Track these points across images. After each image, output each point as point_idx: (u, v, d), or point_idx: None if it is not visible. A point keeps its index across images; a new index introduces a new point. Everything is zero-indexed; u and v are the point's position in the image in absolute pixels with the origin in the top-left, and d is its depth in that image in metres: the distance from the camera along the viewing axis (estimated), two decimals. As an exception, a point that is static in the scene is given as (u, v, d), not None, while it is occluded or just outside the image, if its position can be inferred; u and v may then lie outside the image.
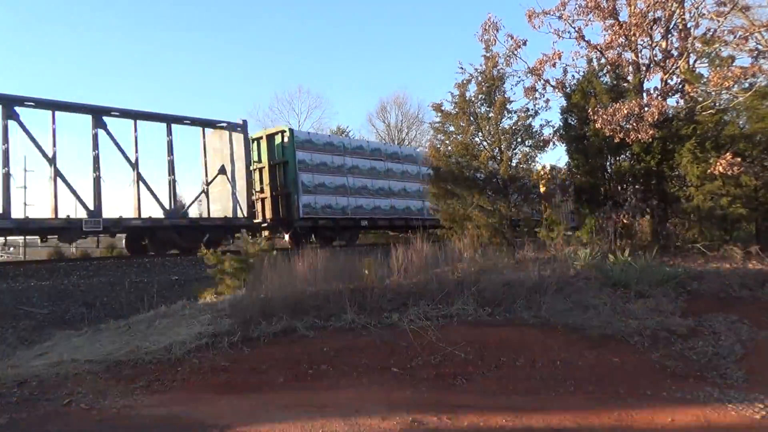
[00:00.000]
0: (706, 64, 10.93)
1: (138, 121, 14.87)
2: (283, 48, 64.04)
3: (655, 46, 11.25)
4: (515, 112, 11.61)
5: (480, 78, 11.53)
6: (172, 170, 15.35)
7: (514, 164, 11.49)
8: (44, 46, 54.70)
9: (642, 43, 11.31)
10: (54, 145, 13.19)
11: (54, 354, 6.20)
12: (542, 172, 13.72)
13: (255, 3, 64.43)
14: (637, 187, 10.61)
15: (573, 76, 12.25)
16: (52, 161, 13.07)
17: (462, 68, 11.68)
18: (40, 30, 54.62)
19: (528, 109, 11.67)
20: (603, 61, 11.74)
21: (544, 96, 11.87)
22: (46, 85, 57.97)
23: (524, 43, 11.48)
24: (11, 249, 21.45)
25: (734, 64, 10.21)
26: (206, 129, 16.95)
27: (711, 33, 10.84)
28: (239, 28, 63.56)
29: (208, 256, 10.20)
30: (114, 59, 56.27)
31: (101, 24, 56.39)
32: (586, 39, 11.69)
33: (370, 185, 19.72)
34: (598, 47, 11.51)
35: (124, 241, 16.52)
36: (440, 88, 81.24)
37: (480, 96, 11.59)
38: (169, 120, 15.55)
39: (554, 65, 11.68)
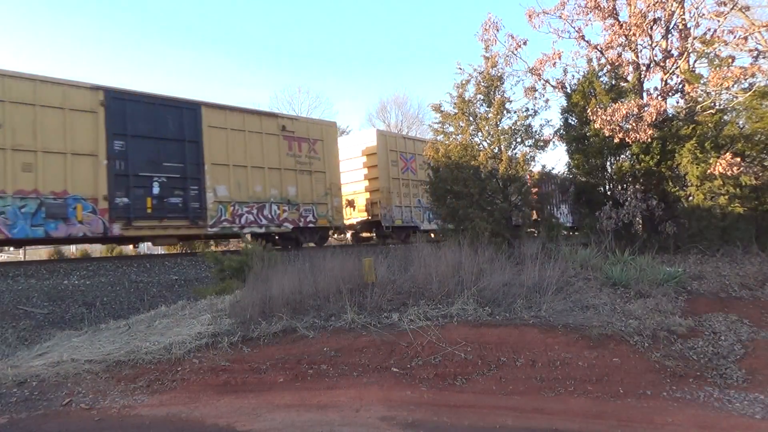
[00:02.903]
0: (706, 64, 10.92)
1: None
2: (283, 48, 64.08)
3: (655, 46, 11.25)
4: (515, 111, 11.62)
5: (479, 78, 11.54)
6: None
7: (513, 164, 11.48)
8: (58, 32, 54.74)
9: (642, 43, 11.31)
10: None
11: (54, 354, 6.20)
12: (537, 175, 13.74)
13: (256, 3, 64.48)
14: (637, 187, 10.60)
15: (573, 75, 12.28)
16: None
17: (461, 68, 11.69)
18: (61, 19, 54.67)
19: (527, 109, 11.68)
20: (603, 61, 11.74)
21: (543, 96, 11.90)
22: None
23: (524, 43, 11.49)
24: (11, 249, 21.43)
25: (734, 64, 10.20)
26: None
27: (711, 33, 10.84)
28: (240, 29, 63.62)
29: (208, 255, 10.23)
30: (114, 58, 56.31)
31: (105, 23, 56.43)
32: (586, 39, 11.70)
33: None
34: (598, 47, 11.51)
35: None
36: (441, 88, 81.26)
37: (479, 96, 11.59)
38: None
39: (554, 65, 11.68)
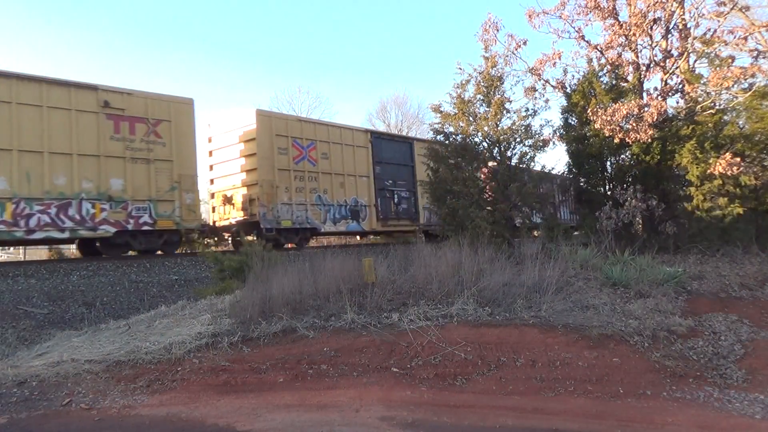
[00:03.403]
0: (706, 64, 10.94)
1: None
2: (283, 48, 64.11)
3: (655, 46, 11.26)
4: (514, 111, 11.63)
5: (479, 78, 11.54)
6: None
7: (513, 164, 11.48)
8: (56, 39, 54.77)
9: (642, 43, 11.32)
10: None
11: (54, 354, 6.21)
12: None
13: (256, 3, 64.50)
14: (637, 187, 10.61)
15: (573, 75, 12.30)
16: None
17: (460, 69, 11.69)
18: (53, 23, 54.66)
19: (527, 109, 11.68)
20: (603, 61, 11.76)
21: (543, 96, 11.91)
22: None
23: (524, 43, 11.49)
24: (11, 249, 21.44)
25: (734, 64, 10.21)
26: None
27: (711, 33, 10.86)
28: (239, 29, 63.63)
29: (208, 255, 10.24)
30: (115, 60, 56.33)
31: (104, 24, 56.44)
32: (586, 39, 11.72)
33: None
34: (598, 47, 11.52)
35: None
36: (441, 88, 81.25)
37: (478, 96, 11.59)
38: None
39: (554, 65, 11.70)
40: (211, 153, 15.59)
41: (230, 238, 15.38)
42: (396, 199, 17.81)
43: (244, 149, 14.59)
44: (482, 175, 11.55)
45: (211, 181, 15.63)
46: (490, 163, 11.54)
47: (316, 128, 15.91)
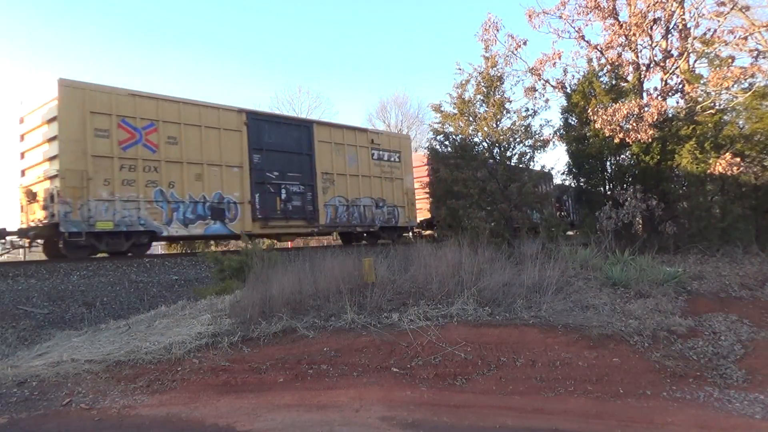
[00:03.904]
0: (706, 64, 10.95)
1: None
2: (283, 48, 64.11)
3: (655, 46, 11.27)
4: (514, 111, 11.64)
5: (479, 78, 11.55)
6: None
7: (513, 164, 11.51)
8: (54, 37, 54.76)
9: (642, 43, 11.34)
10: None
11: (54, 354, 6.21)
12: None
13: (256, 3, 64.50)
14: (637, 187, 10.62)
15: (573, 76, 12.33)
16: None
17: (460, 69, 11.71)
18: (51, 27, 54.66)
19: (527, 109, 11.70)
20: (603, 61, 11.78)
21: (543, 96, 11.94)
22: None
23: (524, 43, 11.53)
24: (11, 248, 21.37)
25: (734, 64, 10.23)
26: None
27: (711, 33, 10.87)
28: (239, 28, 63.62)
29: (208, 255, 10.25)
30: (119, 60, 56.33)
31: (110, 26, 56.45)
32: (586, 39, 11.74)
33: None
34: (598, 47, 11.54)
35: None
36: (441, 88, 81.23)
37: (478, 96, 11.61)
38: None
39: (554, 65, 11.74)
40: (22, 137, 12.41)
41: (31, 244, 12.77)
42: (284, 195, 14.37)
43: (47, 131, 11.40)
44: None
45: (23, 173, 12.43)
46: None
47: (159, 105, 12.28)
